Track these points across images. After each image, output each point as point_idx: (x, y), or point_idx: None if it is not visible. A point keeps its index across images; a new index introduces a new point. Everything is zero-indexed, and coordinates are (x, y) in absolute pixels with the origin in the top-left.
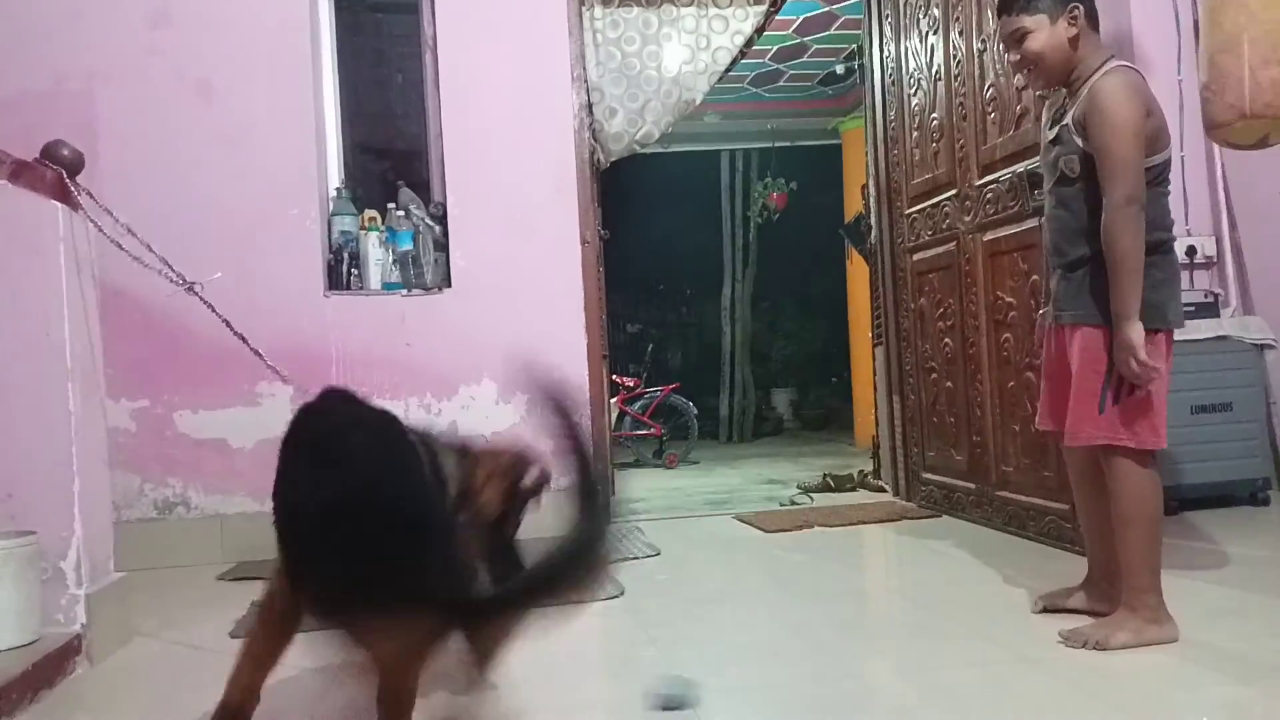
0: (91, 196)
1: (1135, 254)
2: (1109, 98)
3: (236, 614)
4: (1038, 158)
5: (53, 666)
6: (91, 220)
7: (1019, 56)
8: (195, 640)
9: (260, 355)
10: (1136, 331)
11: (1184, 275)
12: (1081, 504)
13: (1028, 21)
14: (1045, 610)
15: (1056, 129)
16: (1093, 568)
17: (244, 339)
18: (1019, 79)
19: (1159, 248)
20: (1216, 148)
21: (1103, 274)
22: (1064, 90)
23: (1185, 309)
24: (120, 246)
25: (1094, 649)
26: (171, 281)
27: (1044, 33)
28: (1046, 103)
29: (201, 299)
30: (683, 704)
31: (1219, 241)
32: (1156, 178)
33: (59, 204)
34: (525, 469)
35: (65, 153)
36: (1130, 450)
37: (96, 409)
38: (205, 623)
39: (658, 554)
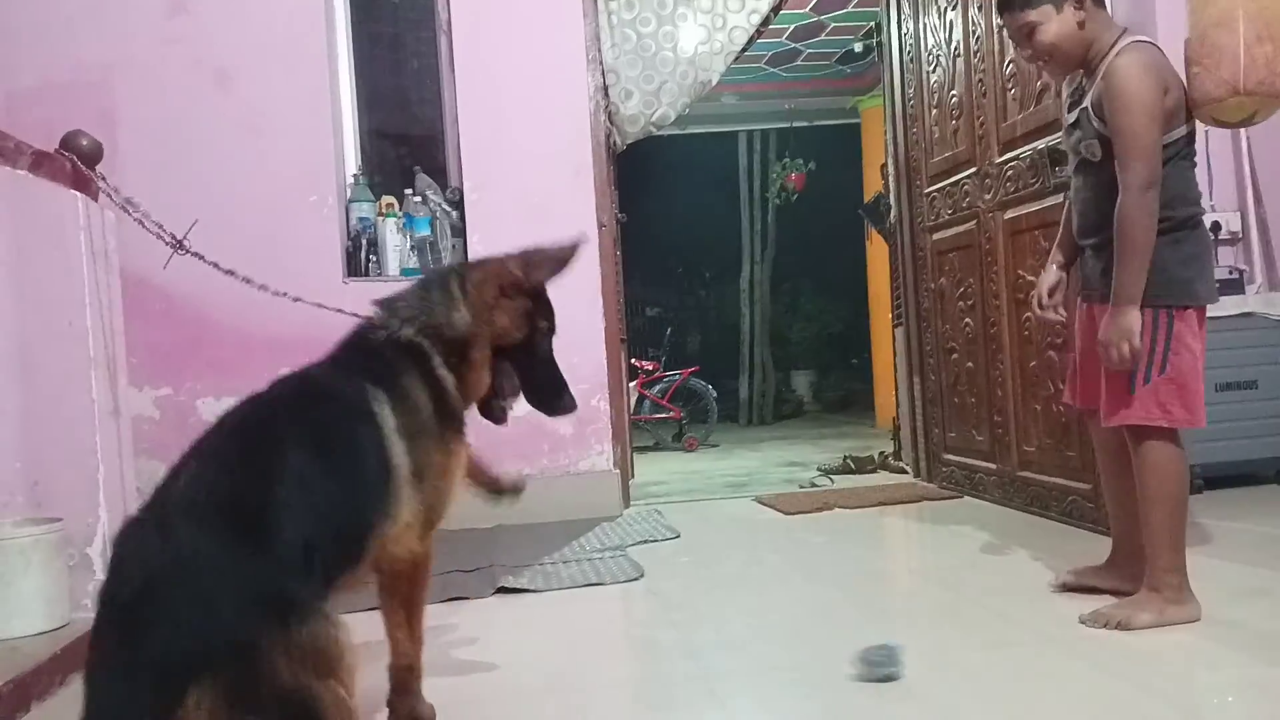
0: (104, 179)
1: (1147, 239)
2: (1123, 79)
3: None
4: (1059, 134)
5: (81, 651)
6: (113, 199)
7: (1030, 51)
8: None
9: (260, 286)
10: (1135, 317)
11: None
12: (1108, 482)
13: (1033, 15)
14: (1065, 588)
15: (1076, 113)
16: (1117, 547)
17: (247, 279)
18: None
19: (1187, 222)
20: None
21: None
22: (1081, 70)
23: None
24: (126, 209)
25: (1116, 629)
26: (162, 240)
27: (1053, 23)
28: (1065, 81)
29: (192, 253)
30: (891, 676)
31: (1244, 217)
32: (1180, 151)
33: (79, 194)
34: (533, 268)
35: (84, 143)
36: (1160, 429)
37: (120, 397)
38: None
39: (677, 536)
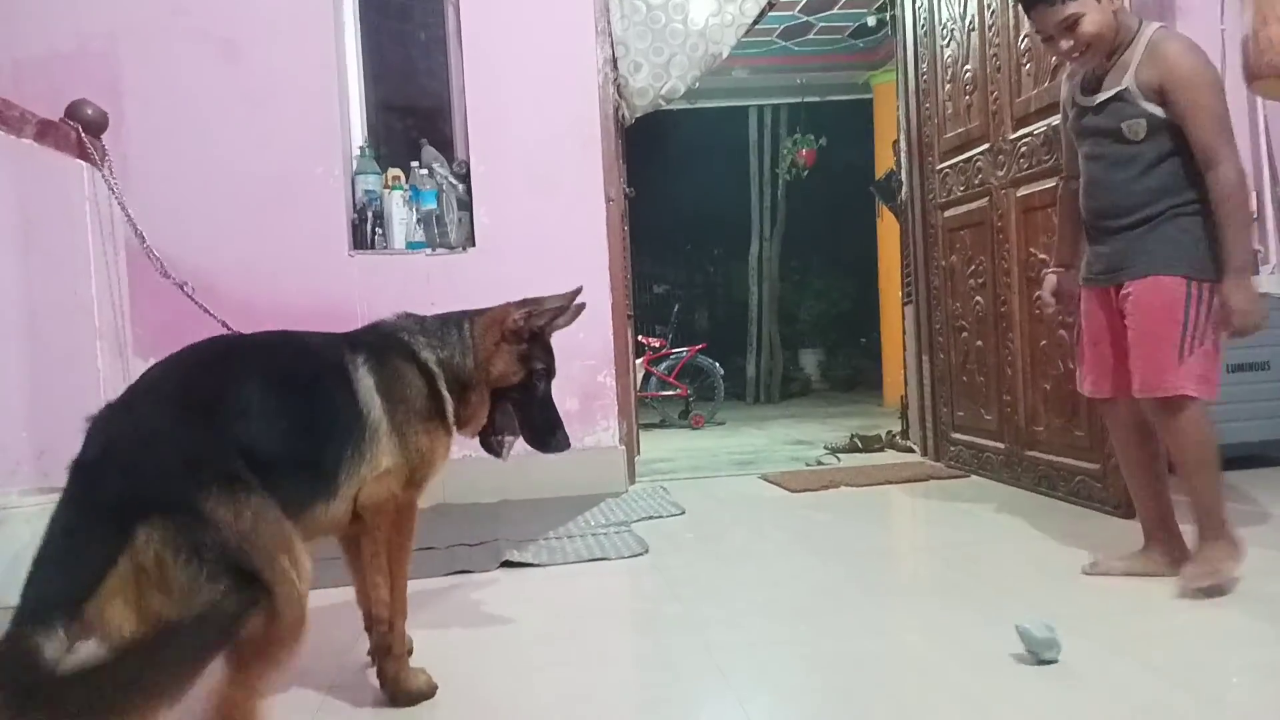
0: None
1: (1250, 207)
2: (1191, 62)
3: None
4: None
5: None
6: (113, 186)
7: (1073, 42)
8: None
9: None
10: (1251, 289)
11: None
12: (1133, 469)
13: (1074, 7)
14: (1098, 573)
15: (1109, 94)
16: (1150, 530)
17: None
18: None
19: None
20: (1260, 101)
21: (1177, 227)
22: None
23: None
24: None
25: (1214, 589)
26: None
27: (1094, 13)
28: (1067, 69)
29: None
30: (1051, 660)
31: (1260, 197)
32: None
33: (84, 163)
34: (534, 316)
35: (89, 112)
36: (1195, 399)
37: (125, 368)
38: None
39: (683, 513)
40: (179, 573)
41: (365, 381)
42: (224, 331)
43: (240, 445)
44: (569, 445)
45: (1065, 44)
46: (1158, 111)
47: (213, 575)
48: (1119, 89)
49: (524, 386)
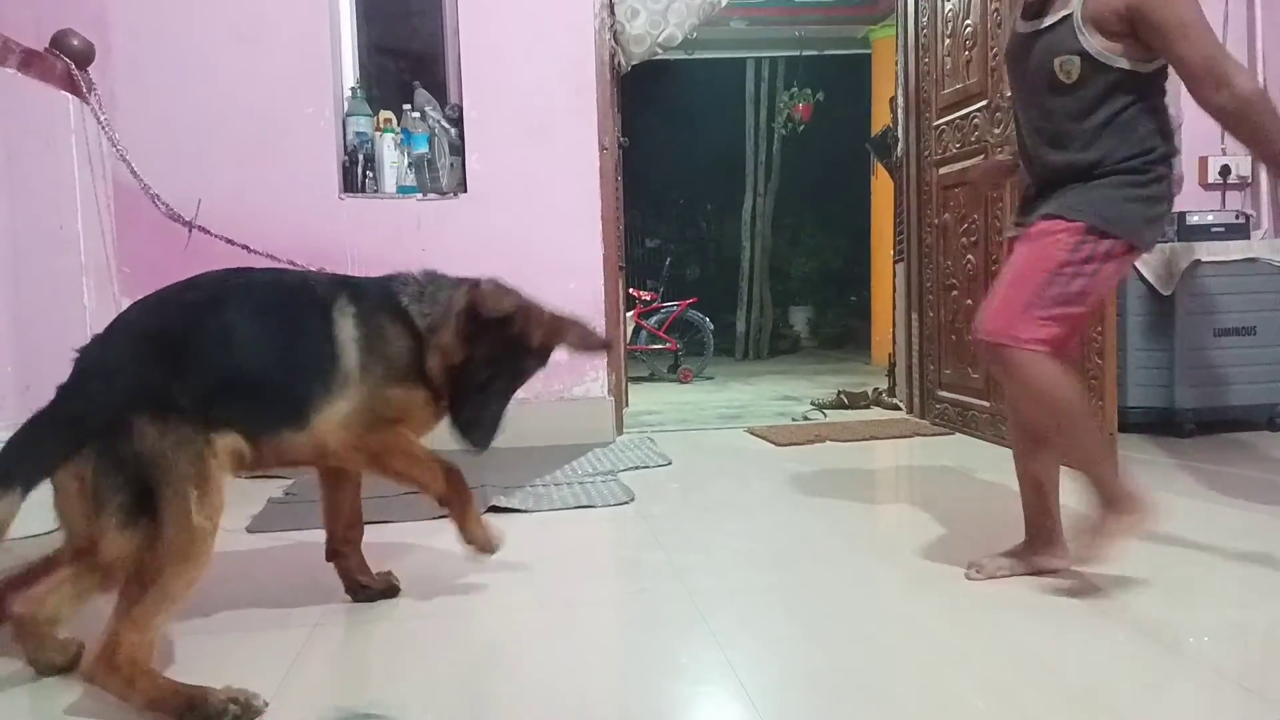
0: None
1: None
2: (1171, 3)
3: (253, 509)
4: None
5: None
6: (96, 115)
7: None
8: None
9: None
10: None
11: (1217, 195)
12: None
13: None
14: (984, 577)
15: (1051, 20)
16: (1031, 516)
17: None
18: None
19: (1164, 160)
20: (1260, 63)
21: (1111, 184)
22: None
23: (1215, 229)
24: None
25: (1102, 559)
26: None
27: None
28: None
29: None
30: None
31: (1254, 162)
32: (1160, 84)
33: (70, 95)
34: (495, 299)
35: (75, 43)
36: (1035, 353)
37: (111, 306)
38: (223, 518)
39: (669, 463)
40: (100, 481)
41: (346, 330)
42: (246, 258)
43: (200, 377)
44: (483, 448)
45: None
46: (1100, 50)
47: (123, 486)
48: (1063, 14)
49: (460, 369)
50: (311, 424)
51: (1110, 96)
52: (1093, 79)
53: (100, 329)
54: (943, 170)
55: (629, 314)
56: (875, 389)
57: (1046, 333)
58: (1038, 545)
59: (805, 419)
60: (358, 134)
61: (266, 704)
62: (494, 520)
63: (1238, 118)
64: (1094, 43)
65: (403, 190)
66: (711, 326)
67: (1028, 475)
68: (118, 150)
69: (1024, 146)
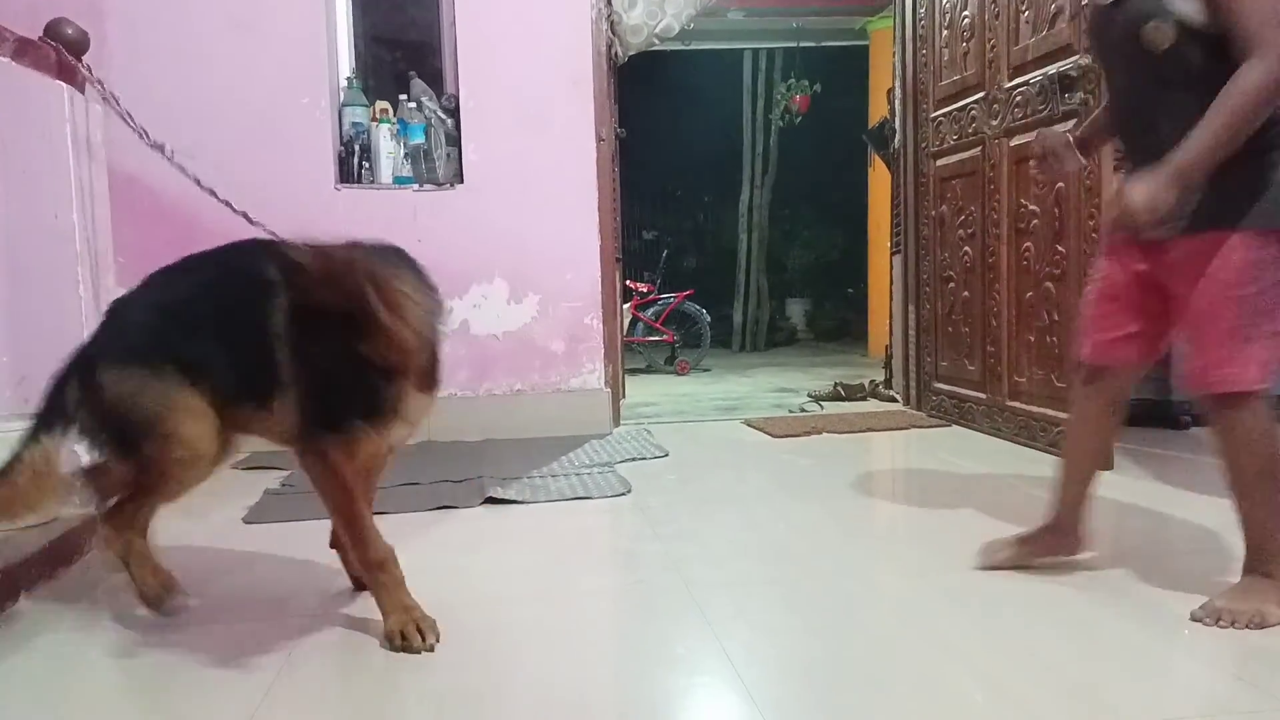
0: (89, 70)
1: (1255, 115)
2: None
3: (250, 501)
4: (1072, 59)
5: (70, 545)
6: (100, 90)
7: None
8: (209, 525)
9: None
10: (1170, 193)
11: None
12: (1083, 447)
13: None
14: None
15: None
16: (1062, 515)
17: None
18: None
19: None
20: None
21: (1244, 166)
22: None
23: None
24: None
25: (1249, 628)
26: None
27: None
28: None
29: (175, 163)
30: None
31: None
32: None
33: (64, 84)
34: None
35: (69, 31)
36: (1254, 394)
37: (107, 295)
38: (220, 509)
39: (666, 455)
40: (88, 419)
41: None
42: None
43: (182, 342)
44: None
45: None
46: (1189, 12)
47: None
48: None
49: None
50: (274, 407)
51: (1209, 62)
52: (1188, 44)
53: (95, 320)
54: (940, 162)
55: (626, 306)
56: (872, 381)
57: (1263, 365)
58: (1059, 531)
59: (802, 410)
60: (354, 124)
61: None
62: (491, 512)
63: (1227, 89)
64: (1181, 4)
65: (399, 181)
66: (708, 318)
67: (1084, 478)
68: (124, 117)
69: (1125, 130)
